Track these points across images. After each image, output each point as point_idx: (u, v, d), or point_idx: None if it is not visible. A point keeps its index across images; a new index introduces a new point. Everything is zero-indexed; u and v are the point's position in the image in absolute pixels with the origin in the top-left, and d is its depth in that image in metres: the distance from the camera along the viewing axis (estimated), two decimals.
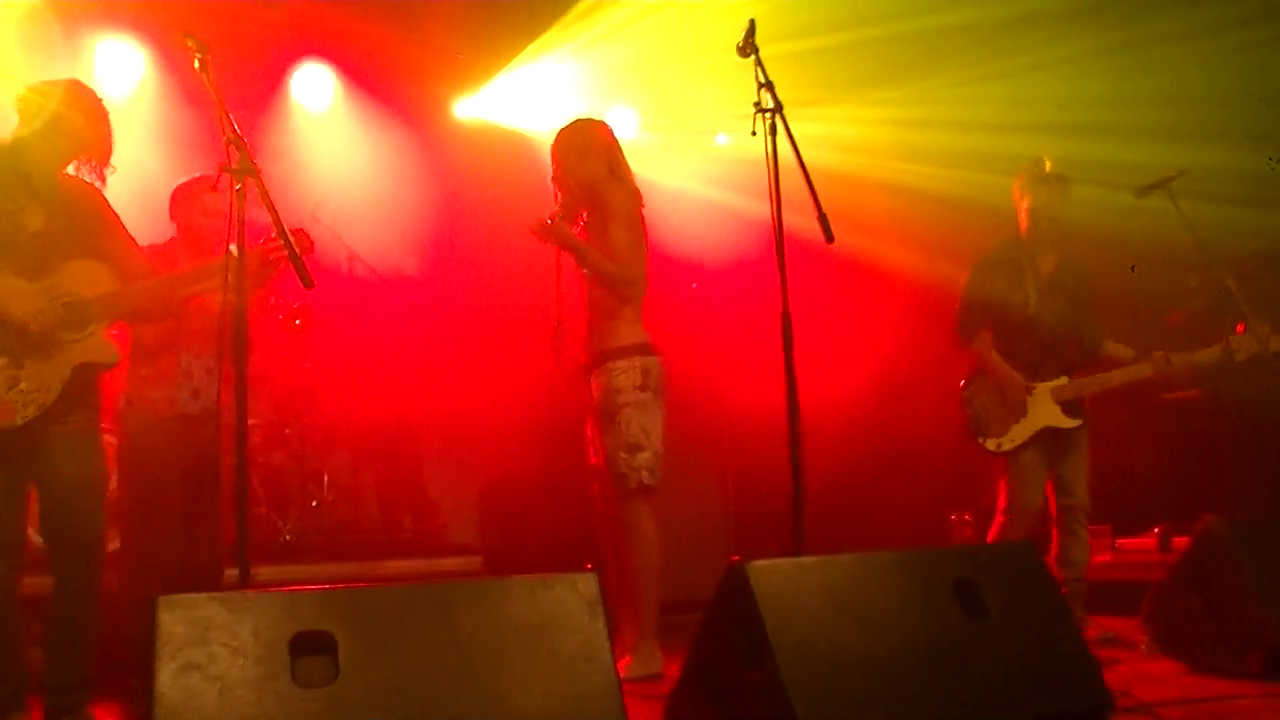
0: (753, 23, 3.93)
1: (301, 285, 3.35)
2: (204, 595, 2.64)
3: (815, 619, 2.90)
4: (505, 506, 7.39)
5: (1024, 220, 5.22)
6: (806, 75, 5.82)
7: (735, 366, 7.10)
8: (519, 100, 8.04)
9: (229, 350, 3.38)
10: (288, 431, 7.02)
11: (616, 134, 4.94)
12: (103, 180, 4.00)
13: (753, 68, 3.89)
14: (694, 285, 7.49)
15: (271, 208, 3.45)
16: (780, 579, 2.94)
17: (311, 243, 3.98)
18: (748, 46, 3.90)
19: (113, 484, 4.57)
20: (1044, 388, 5.10)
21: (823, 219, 3.59)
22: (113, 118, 4.01)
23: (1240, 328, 5.04)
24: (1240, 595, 3.86)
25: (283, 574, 5.80)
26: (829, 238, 3.58)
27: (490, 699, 2.67)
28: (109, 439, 4.88)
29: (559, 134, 4.88)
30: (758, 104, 3.79)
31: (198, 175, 4.88)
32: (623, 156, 4.86)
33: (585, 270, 4.72)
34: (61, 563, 3.82)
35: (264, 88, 7.62)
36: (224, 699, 2.52)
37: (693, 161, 8.32)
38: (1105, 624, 5.00)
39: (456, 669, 2.69)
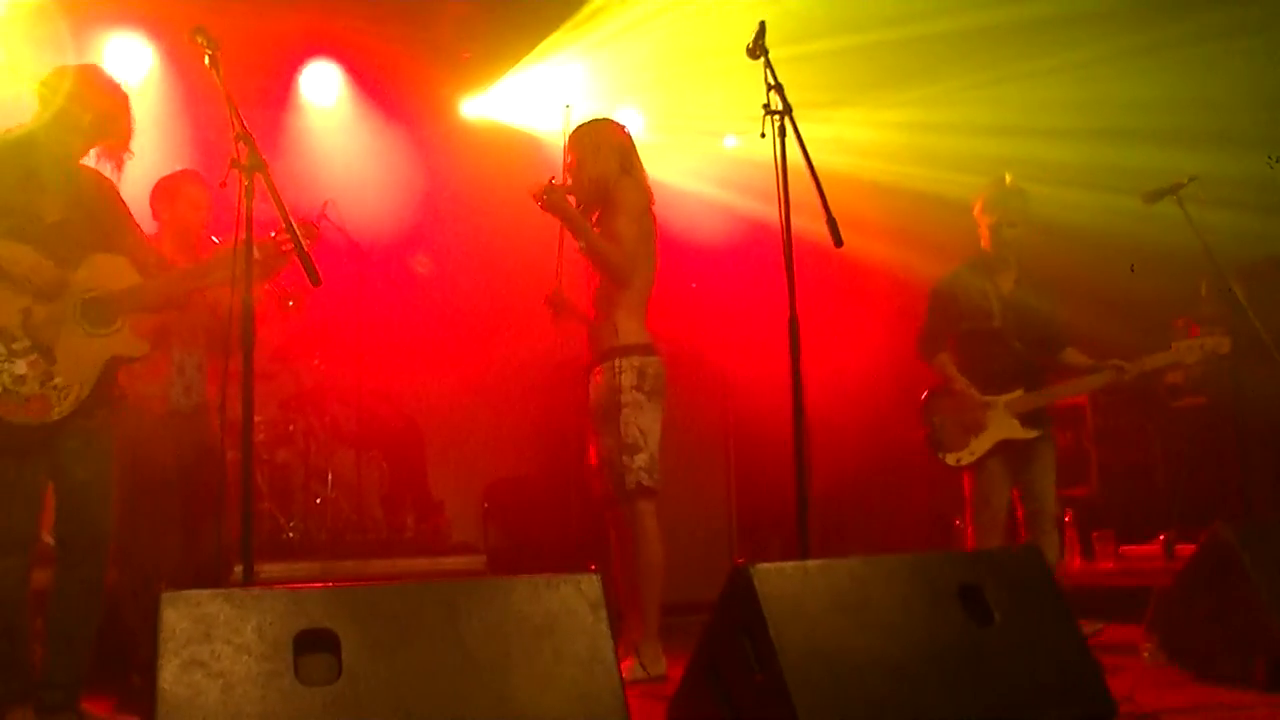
0: (763, 24, 3.92)
1: (309, 282, 3.35)
2: (208, 592, 2.63)
3: (820, 622, 2.89)
4: (509, 505, 7.40)
5: (986, 236, 5.33)
6: (817, 77, 5.82)
7: (741, 368, 7.10)
8: (526, 100, 8.05)
9: (236, 346, 3.37)
10: (292, 428, 7.01)
11: (632, 134, 4.96)
12: (120, 166, 4.00)
13: (762, 70, 3.89)
14: (694, 285, 7.48)
15: (279, 203, 3.45)
16: (785, 582, 2.93)
17: (318, 232, 3.98)
18: (757, 48, 3.90)
19: None
20: (1000, 401, 5.19)
21: (832, 223, 3.59)
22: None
23: (1194, 331, 5.11)
24: (1247, 602, 3.84)
25: (286, 571, 5.81)
26: (838, 242, 3.58)
27: (494, 699, 2.67)
28: None
29: (575, 130, 4.90)
30: (767, 106, 3.79)
31: (179, 170, 4.90)
32: (637, 156, 4.88)
33: (581, 245, 4.71)
34: (72, 559, 3.81)
35: (273, 85, 7.64)
36: (227, 696, 2.52)
37: (700, 163, 8.33)
38: (1108, 629, 5.01)
39: (460, 669, 2.68)
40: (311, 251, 3.49)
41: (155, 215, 4.80)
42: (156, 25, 7.02)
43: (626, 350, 4.62)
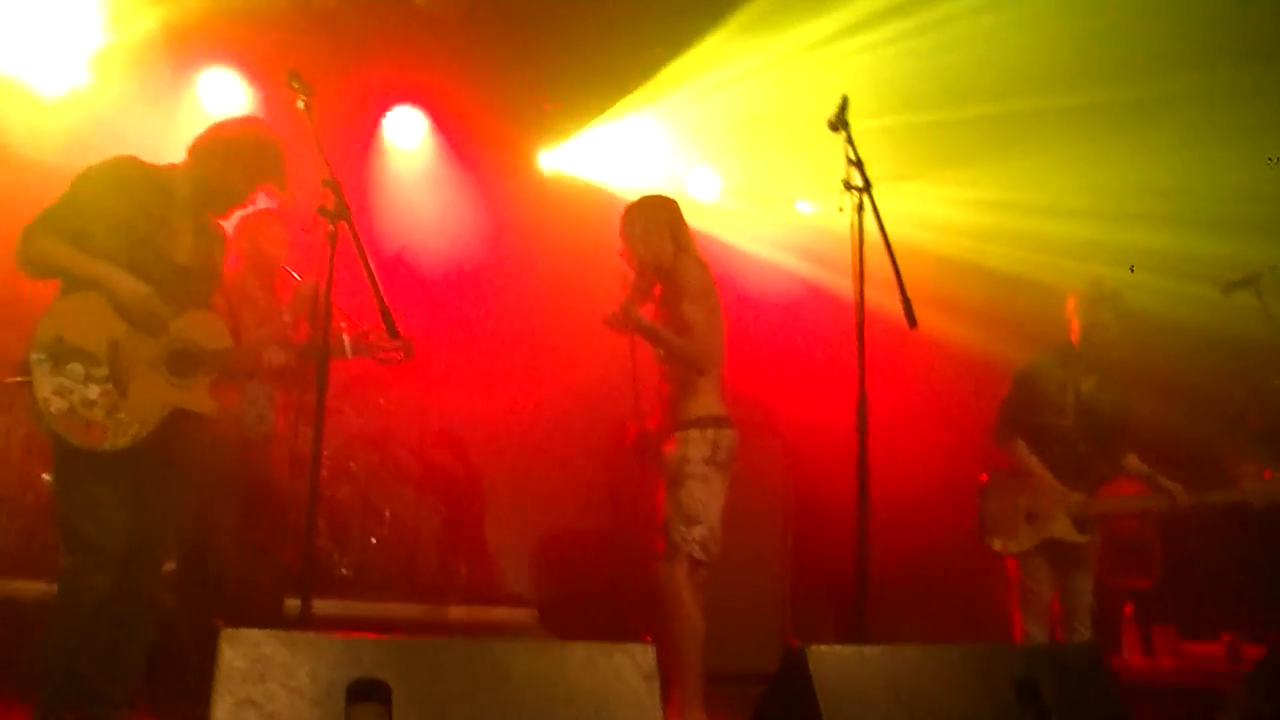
0: (845, 99, 3.94)
1: (387, 335, 3.40)
2: (266, 632, 2.65)
3: (873, 710, 2.86)
4: (562, 561, 7.38)
5: (1076, 334, 5.28)
6: (897, 150, 5.83)
7: (805, 439, 7.06)
8: (604, 156, 8.12)
9: (310, 385, 3.42)
10: (353, 466, 7.07)
11: (681, 209, 4.95)
12: (279, 200, 4.09)
13: (841, 141, 3.89)
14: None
15: (362, 253, 3.51)
16: (840, 666, 2.90)
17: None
18: (839, 122, 3.91)
19: None
20: (1059, 500, 5.14)
21: (906, 303, 3.58)
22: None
23: (1266, 474, 5.03)
24: None
25: (337, 608, 5.83)
26: (912, 323, 3.57)
27: None
28: None
29: (624, 212, 4.93)
30: (846, 182, 3.79)
31: (262, 207, 5.01)
32: (688, 230, 4.88)
33: (659, 351, 4.73)
34: (131, 576, 3.83)
35: (358, 125, 7.78)
36: None
37: (774, 228, 8.34)
38: None
39: None
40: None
41: (237, 251, 4.91)
42: (251, 63, 7.21)
43: (701, 422, 4.62)
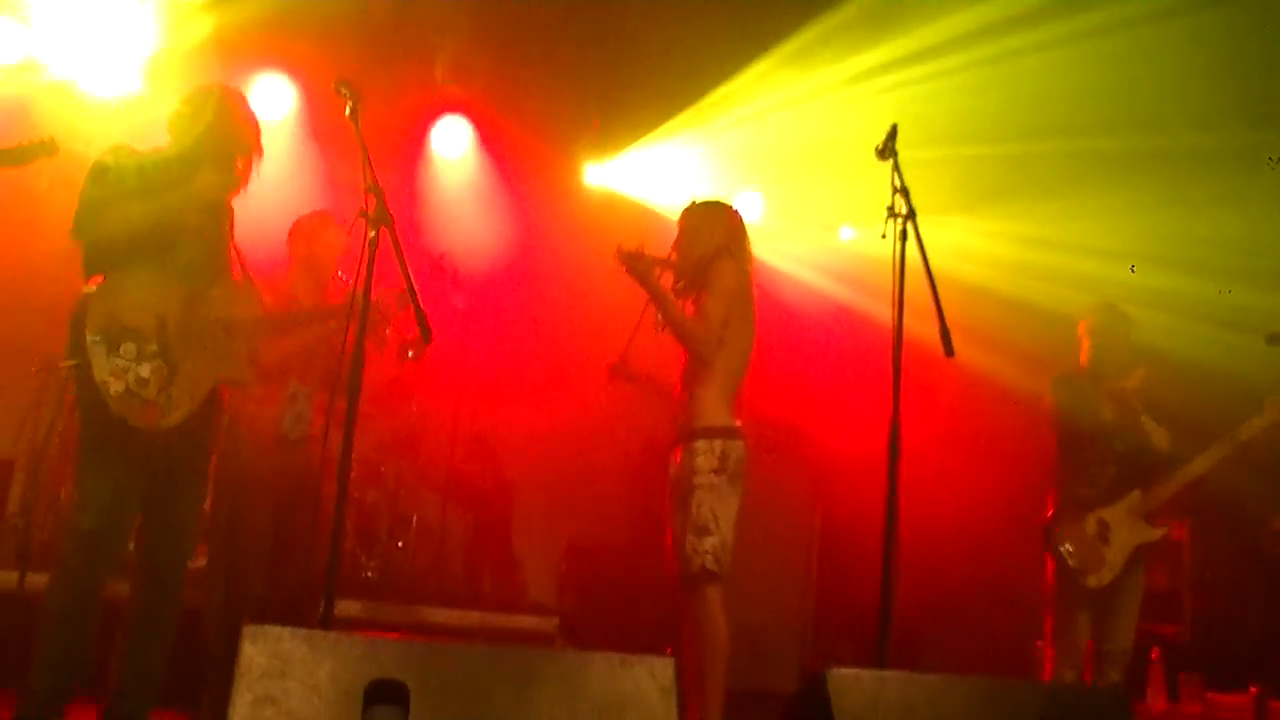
0: (894, 127, 3.93)
1: (421, 338, 3.42)
2: (288, 630, 2.66)
3: None
4: (587, 571, 7.38)
5: (1085, 354, 5.32)
6: (938, 183, 5.80)
7: (835, 464, 7.04)
8: (649, 174, 8.15)
9: (343, 389, 3.44)
10: (383, 470, 7.12)
11: (744, 222, 4.89)
12: (245, 181, 4.11)
13: (886, 169, 3.89)
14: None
15: (401, 259, 3.53)
16: (860, 690, 2.87)
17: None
18: (887, 150, 3.91)
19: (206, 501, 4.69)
20: (1121, 508, 5.07)
21: (944, 332, 3.56)
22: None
23: None
24: None
25: (362, 611, 5.86)
26: (949, 351, 3.55)
27: None
28: None
29: (688, 207, 4.87)
30: (891, 209, 3.79)
31: (318, 210, 5.06)
32: (746, 241, 4.80)
33: (661, 317, 4.64)
34: (157, 573, 3.89)
35: (406, 133, 7.86)
36: None
37: (814, 253, 8.35)
38: None
39: None
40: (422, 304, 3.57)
41: (291, 252, 4.97)
42: (301, 69, 7.30)
43: (709, 432, 4.52)
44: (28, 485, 6.07)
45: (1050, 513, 5.21)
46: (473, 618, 6.38)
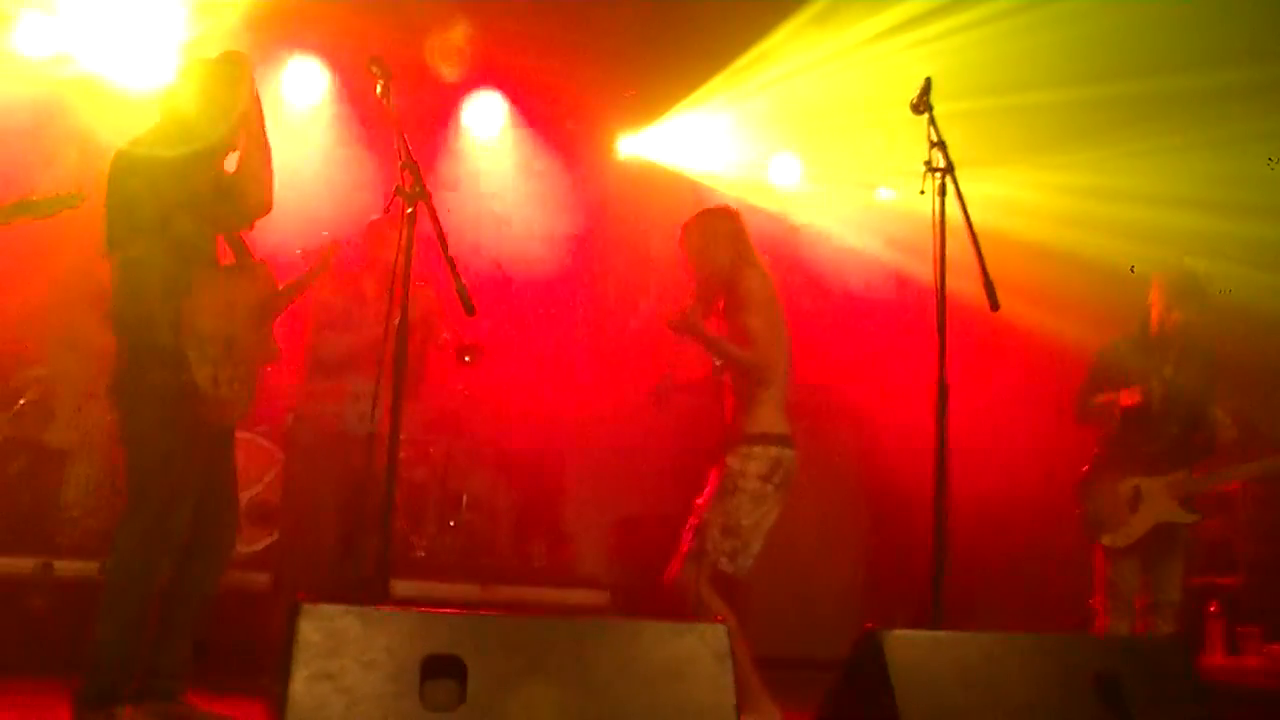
0: (928, 80, 3.87)
1: (464, 312, 3.41)
2: (341, 607, 2.68)
3: (947, 695, 2.82)
4: (639, 545, 7.38)
5: (1154, 321, 5.18)
6: (978, 135, 5.71)
7: (883, 423, 6.99)
8: (683, 142, 8.10)
9: (388, 370, 3.44)
10: (432, 450, 7.15)
11: (742, 220, 4.86)
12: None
13: (924, 125, 3.83)
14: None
15: (440, 233, 3.53)
16: (915, 651, 2.86)
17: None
18: (922, 104, 3.85)
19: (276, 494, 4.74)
20: (1161, 482, 5.03)
21: (989, 286, 3.51)
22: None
23: None
24: None
25: (414, 590, 5.90)
26: (994, 306, 3.50)
27: None
28: (276, 453, 5.07)
29: (685, 227, 4.82)
30: (928, 163, 3.73)
31: (392, 214, 5.08)
32: (748, 241, 4.77)
33: (718, 361, 4.64)
34: (202, 556, 3.92)
35: (438, 110, 7.84)
36: (350, 712, 2.56)
37: (853, 212, 8.27)
38: None
39: (582, 708, 2.68)
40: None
41: (360, 252, 5.02)
42: (333, 51, 7.30)
43: (765, 439, 4.52)
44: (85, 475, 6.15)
45: (1087, 468, 5.22)
46: (525, 593, 6.42)
